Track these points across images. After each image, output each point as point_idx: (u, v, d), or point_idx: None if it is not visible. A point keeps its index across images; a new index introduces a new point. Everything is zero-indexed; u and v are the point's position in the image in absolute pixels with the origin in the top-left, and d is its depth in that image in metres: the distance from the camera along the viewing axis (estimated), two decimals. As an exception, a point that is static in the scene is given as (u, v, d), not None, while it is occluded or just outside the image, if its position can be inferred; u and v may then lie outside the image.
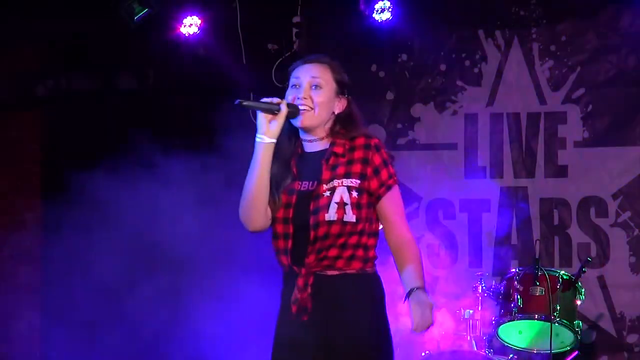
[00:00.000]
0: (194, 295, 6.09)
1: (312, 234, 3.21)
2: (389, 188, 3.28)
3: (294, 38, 6.54)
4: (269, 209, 3.30)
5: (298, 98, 3.30)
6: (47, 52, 6.61)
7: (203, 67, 6.44)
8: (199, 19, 6.40)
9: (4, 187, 6.57)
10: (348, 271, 3.24)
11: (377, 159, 3.28)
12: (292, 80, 3.35)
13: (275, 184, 3.30)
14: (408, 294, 3.20)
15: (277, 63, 6.44)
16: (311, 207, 3.23)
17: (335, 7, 6.52)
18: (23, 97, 6.51)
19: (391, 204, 3.29)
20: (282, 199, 3.29)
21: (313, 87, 3.31)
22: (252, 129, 3.29)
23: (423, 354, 5.26)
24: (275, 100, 3.24)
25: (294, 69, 3.37)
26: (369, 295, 3.28)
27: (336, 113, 3.35)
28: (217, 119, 5.67)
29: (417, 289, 3.19)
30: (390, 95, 6.62)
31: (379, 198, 3.28)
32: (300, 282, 3.22)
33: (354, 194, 3.23)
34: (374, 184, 3.26)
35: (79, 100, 6.48)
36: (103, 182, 5.80)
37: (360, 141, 3.30)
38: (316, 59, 3.38)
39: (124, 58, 6.56)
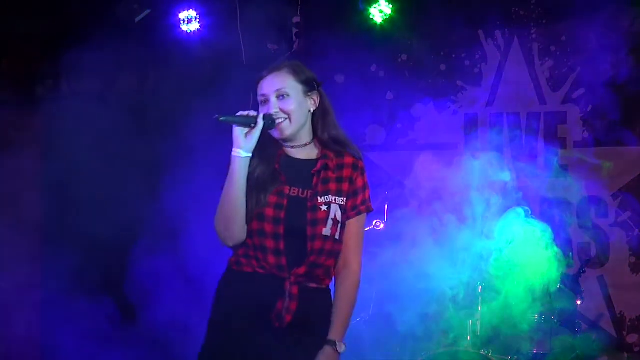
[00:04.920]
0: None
1: (309, 245, 3.20)
2: (359, 213, 3.30)
3: (294, 38, 6.54)
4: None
5: (270, 114, 3.27)
6: (47, 52, 6.61)
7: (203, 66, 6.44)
8: (199, 19, 6.39)
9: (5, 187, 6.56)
10: (322, 286, 3.28)
11: (359, 182, 3.30)
12: (259, 98, 3.31)
13: (262, 183, 3.24)
14: (326, 342, 3.21)
15: (277, 63, 6.44)
16: (308, 216, 3.22)
17: (335, 7, 6.52)
18: (23, 97, 6.51)
19: (354, 228, 3.30)
20: (271, 199, 3.23)
21: (280, 98, 3.27)
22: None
23: (423, 354, 5.26)
24: (252, 113, 3.21)
25: (257, 84, 3.32)
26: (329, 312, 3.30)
27: (312, 111, 3.33)
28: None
29: (331, 343, 3.20)
30: (390, 95, 6.62)
31: (347, 219, 3.28)
32: (294, 290, 3.18)
33: (342, 212, 3.26)
34: (349, 204, 3.28)
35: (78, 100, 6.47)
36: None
37: (348, 160, 3.31)
38: (274, 67, 3.33)
39: (124, 58, 6.55)
